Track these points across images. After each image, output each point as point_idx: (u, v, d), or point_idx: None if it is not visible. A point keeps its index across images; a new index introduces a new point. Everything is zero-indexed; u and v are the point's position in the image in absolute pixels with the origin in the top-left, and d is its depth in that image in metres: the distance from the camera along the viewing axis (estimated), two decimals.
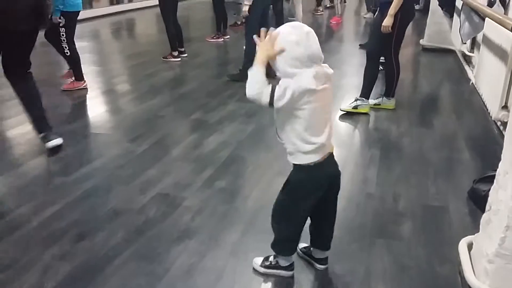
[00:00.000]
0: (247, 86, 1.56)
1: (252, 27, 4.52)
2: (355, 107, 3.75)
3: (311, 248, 1.93)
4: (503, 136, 3.15)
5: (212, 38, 6.92)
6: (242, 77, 4.59)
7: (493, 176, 1.79)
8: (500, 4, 3.65)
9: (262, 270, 1.89)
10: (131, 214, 2.32)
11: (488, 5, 3.82)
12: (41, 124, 3.02)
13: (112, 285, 1.83)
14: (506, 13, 3.63)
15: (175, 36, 5.59)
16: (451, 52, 5.99)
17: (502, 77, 2.92)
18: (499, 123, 3.31)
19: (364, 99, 3.75)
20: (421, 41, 6.40)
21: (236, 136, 3.32)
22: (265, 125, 3.53)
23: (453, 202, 2.45)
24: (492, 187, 1.77)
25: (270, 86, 1.53)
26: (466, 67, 5.09)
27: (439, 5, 5.97)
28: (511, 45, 2.81)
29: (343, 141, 3.27)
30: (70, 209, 2.38)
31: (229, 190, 2.58)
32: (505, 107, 2.95)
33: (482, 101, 3.85)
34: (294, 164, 1.68)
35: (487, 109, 3.56)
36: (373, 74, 3.75)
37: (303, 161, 1.63)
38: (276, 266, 1.86)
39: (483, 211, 1.83)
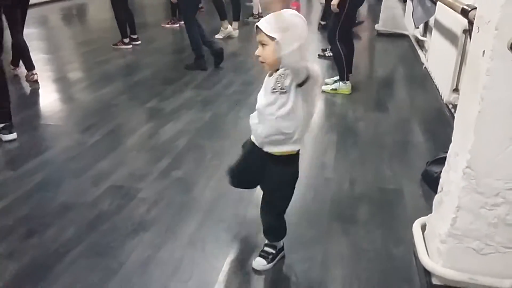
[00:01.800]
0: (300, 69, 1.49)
1: (190, 17, 4.47)
2: (334, 89, 3.89)
3: None
4: (454, 118, 3.25)
5: (168, 23, 6.76)
6: (197, 66, 4.54)
7: (445, 158, 1.82)
8: None
9: (271, 265, 1.85)
10: (83, 208, 2.23)
11: None
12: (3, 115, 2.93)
13: (64, 283, 1.75)
14: None
15: (125, 22, 5.38)
16: (405, 36, 6.10)
17: (453, 60, 2.99)
18: (450, 106, 3.40)
19: (343, 81, 3.88)
20: (376, 26, 6.49)
21: (193, 124, 3.25)
22: (222, 113, 3.48)
23: (407, 185, 2.50)
24: (444, 168, 1.80)
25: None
26: (419, 51, 5.20)
27: None
28: (461, 28, 2.88)
29: None
30: (18, 204, 2.27)
31: (186, 179, 2.53)
32: (456, 90, 3.03)
33: (435, 84, 3.94)
34: (290, 155, 1.67)
35: (439, 92, 3.65)
36: (338, 55, 3.80)
37: (297, 148, 1.67)
38: (278, 252, 1.87)
39: (436, 192, 1.87)
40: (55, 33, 6.83)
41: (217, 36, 6.01)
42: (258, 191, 2.14)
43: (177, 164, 2.68)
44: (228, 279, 1.80)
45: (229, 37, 6.13)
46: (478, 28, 1.53)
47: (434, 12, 3.94)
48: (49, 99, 3.87)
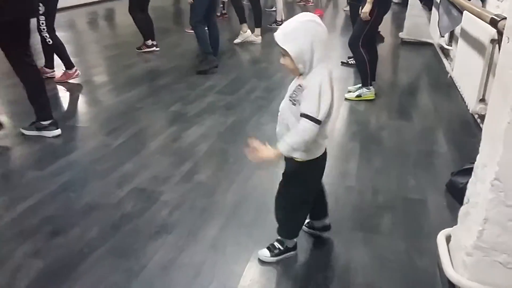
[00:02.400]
0: (304, 145, 1.61)
1: (197, 17, 4.51)
2: (359, 95, 3.88)
3: (312, 222, 2.07)
4: (480, 128, 3.19)
5: (191, 29, 6.81)
6: (208, 65, 4.58)
7: (471, 169, 1.79)
8: None
9: (274, 259, 1.91)
10: (107, 209, 2.27)
11: None
12: (45, 112, 3.08)
13: (87, 282, 1.78)
14: (483, 6, 3.66)
15: (145, 25, 5.45)
16: (430, 45, 6.03)
17: (479, 70, 2.94)
18: (476, 116, 3.35)
19: (367, 87, 3.87)
20: (400, 34, 6.43)
21: (216, 128, 3.28)
22: (245, 117, 3.49)
23: (431, 195, 2.46)
24: (470, 180, 1.77)
25: (303, 125, 1.57)
26: (444, 60, 5.13)
27: None
28: (489, 38, 2.83)
29: None
30: (43, 204, 2.32)
31: (209, 183, 2.54)
32: (482, 100, 2.98)
33: (460, 94, 3.88)
34: (306, 161, 1.71)
35: (465, 102, 3.59)
36: (362, 61, 3.80)
37: (316, 155, 1.72)
38: (285, 250, 1.92)
39: (461, 203, 1.84)
40: (81, 36, 6.96)
41: (236, 41, 6.08)
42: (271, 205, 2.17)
43: (199, 168, 2.70)
44: (249, 284, 1.80)
45: (252, 43, 6.16)
46: (508, 38, 1.51)
47: (461, 21, 3.89)
48: (75, 101, 3.96)
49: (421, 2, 6.04)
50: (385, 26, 7.67)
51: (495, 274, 1.62)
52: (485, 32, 2.89)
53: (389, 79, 4.83)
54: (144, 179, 2.56)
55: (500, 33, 1.80)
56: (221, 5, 8.16)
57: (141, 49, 5.51)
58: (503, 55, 1.58)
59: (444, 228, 1.95)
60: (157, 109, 3.71)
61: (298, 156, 1.70)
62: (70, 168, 2.69)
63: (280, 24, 6.96)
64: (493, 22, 2.19)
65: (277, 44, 1.58)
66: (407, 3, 6.42)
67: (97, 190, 2.45)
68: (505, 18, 1.71)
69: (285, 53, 1.58)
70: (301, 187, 1.80)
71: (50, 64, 4.35)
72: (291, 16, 1.64)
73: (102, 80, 4.55)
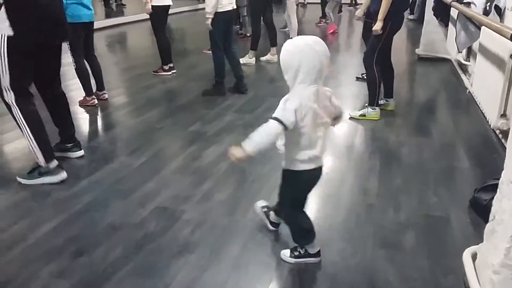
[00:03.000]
0: (268, 142, 1.75)
1: (215, 43, 4.58)
2: (363, 115, 3.84)
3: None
4: (502, 144, 3.15)
5: (208, 50, 6.91)
6: (216, 91, 4.65)
7: (495, 185, 1.77)
8: (495, 13, 3.67)
9: (293, 260, 1.99)
10: (130, 229, 2.29)
11: (483, 14, 3.84)
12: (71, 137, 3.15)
13: None
14: (501, 21, 3.65)
15: (167, 50, 5.54)
16: (447, 61, 6.02)
17: (500, 85, 2.92)
18: (498, 132, 3.31)
19: (372, 107, 3.82)
20: (416, 50, 6.43)
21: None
22: None
23: (454, 212, 2.43)
24: (496, 196, 1.75)
25: (268, 124, 1.72)
26: (463, 76, 5.11)
27: (434, 14, 6.00)
28: (508, 53, 2.82)
29: (342, 153, 3.25)
30: (67, 224, 2.35)
31: (229, 202, 2.55)
32: (503, 115, 2.95)
33: (480, 109, 3.85)
34: (290, 170, 1.87)
35: (486, 118, 3.56)
36: (373, 80, 3.78)
37: (300, 168, 1.83)
38: (306, 255, 1.99)
39: (485, 220, 1.81)
40: (101, 59, 7.11)
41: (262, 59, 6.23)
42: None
43: (219, 186, 2.72)
44: None
45: (268, 62, 6.23)
46: None
47: (478, 37, 3.89)
48: (96, 122, 4.03)
49: (437, 18, 6.04)
50: (401, 43, 7.72)
51: None
52: (505, 48, 2.88)
53: (406, 95, 4.82)
54: (166, 198, 2.59)
55: None
56: (238, 26, 8.35)
57: (158, 73, 5.58)
58: None
59: (469, 246, 1.92)
60: (176, 129, 3.76)
61: (283, 164, 1.89)
62: (93, 188, 2.73)
63: None
64: None
65: None
66: (423, 19, 6.44)
67: (119, 210, 2.48)
68: None
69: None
70: (287, 193, 1.98)
71: (98, 87, 4.50)
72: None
73: (123, 101, 4.62)
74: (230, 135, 3.54)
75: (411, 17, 10.80)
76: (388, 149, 3.31)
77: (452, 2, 4.44)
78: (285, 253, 2.02)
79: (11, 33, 2.55)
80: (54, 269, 1.99)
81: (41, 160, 2.78)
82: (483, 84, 3.49)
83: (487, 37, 3.40)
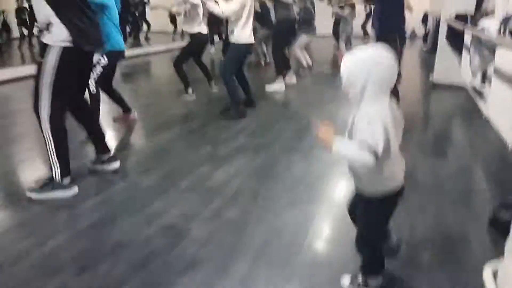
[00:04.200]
0: (352, 163, 1.62)
1: (230, 70, 4.71)
2: None
3: None
4: None
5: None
6: (230, 115, 4.71)
7: None
8: (510, 37, 3.63)
9: None
10: (136, 246, 2.23)
11: None
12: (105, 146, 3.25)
13: None
14: None
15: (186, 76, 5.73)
16: (462, 88, 5.95)
17: None
18: None
19: None
20: (431, 78, 6.40)
21: (246, 169, 3.25)
22: (275, 158, 3.46)
23: (473, 230, 2.33)
24: None
25: (360, 151, 1.50)
26: (478, 101, 5.03)
27: (447, 40, 6.00)
28: None
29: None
30: (73, 241, 2.31)
31: (238, 221, 2.48)
32: None
33: (497, 132, 3.76)
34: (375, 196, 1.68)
35: (504, 140, 3.47)
36: None
37: (388, 187, 1.67)
38: (368, 285, 1.84)
39: (505, 237, 1.72)
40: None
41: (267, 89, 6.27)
42: (309, 239, 2.12)
43: (229, 206, 2.66)
44: None
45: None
46: None
47: (492, 60, 3.84)
48: (111, 143, 4.03)
49: (451, 46, 6.03)
50: (415, 71, 7.72)
51: None
52: None
53: (422, 120, 4.76)
54: (173, 216, 2.53)
55: None
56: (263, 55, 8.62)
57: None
58: None
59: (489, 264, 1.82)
60: (188, 151, 3.74)
61: (367, 194, 1.69)
62: (100, 207, 2.69)
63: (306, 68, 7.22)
64: None
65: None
66: (436, 49, 6.45)
67: (126, 228, 2.43)
68: None
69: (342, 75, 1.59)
70: (378, 217, 1.75)
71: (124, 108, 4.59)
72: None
73: (137, 124, 4.64)
74: (242, 157, 3.50)
75: (424, 48, 10.84)
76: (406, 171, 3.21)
77: (465, 29, 4.43)
78: (346, 281, 1.87)
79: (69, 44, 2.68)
80: (58, 285, 1.94)
81: (57, 174, 2.80)
82: (500, 106, 3.42)
83: (501, 60, 3.35)
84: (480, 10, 5.40)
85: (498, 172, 3.15)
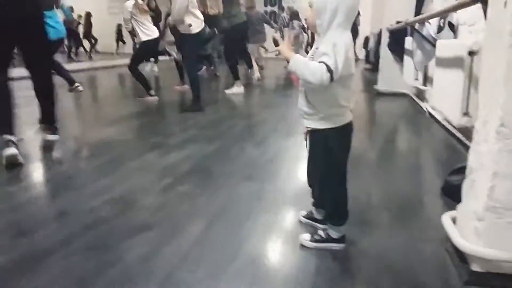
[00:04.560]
0: (307, 77, 1.49)
1: (191, 59, 4.71)
2: None
3: (313, 211, 1.96)
4: (464, 145, 3.17)
5: (178, 86, 6.96)
6: (195, 107, 4.61)
7: (464, 167, 1.72)
8: (450, 29, 3.83)
9: (313, 245, 1.77)
10: (81, 214, 2.06)
11: (437, 31, 4.00)
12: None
13: (55, 272, 1.56)
14: (455, 37, 3.80)
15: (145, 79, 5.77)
16: (405, 94, 6.19)
17: (460, 86, 2.96)
18: (460, 136, 3.34)
19: None
20: (375, 86, 6.62)
21: (199, 153, 3.14)
22: (227, 146, 3.37)
23: (427, 196, 2.35)
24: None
25: (318, 64, 1.45)
26: (421, 103, 5.24)
27: (388, 47, 6.26)
28: (466, 50, 2.89)
29: None
30: (11, 212, 2.10)
31: (191, 193, 2.37)
32: (466, 114, 2.97)
33: (441, 124, 3.92)
34: (328, 129, 1.62)
35: (449, 122, 3.59)
36: None
37: (339, 123, 1.62)
38: (327, 239, 1.77)
39: (458, 202, 1.74)
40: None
41: (227, 91, 6.32)
42: (265, 205, 2.03)
43: (181, 181, 2.54)
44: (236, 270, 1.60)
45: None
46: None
47: (434, 55, 4.01)
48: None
49: (392, 53, 6.29)
50: (361, 85, 7.97)
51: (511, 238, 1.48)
52: (462, 47, 2.96)
53: (370, 119, 4.87)
54: (121, 191, 2.37)
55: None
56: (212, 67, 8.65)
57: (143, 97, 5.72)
58: (492, 5, 1.56)
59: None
60: (137, 140, 3.59)
61: (320, 125, 1.62)
62: (42, 184, 2.50)
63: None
64: None
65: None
66: (377, 68, 6.75)
67: (69, 200, 2.25)
68: None
69: (311, 5, 1.55)
70: (335, 159, 1.67)
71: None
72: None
73: (92, 121, 4.43)
74: (194, 145, 3.38)
75: (366, 66, 11.27)
76: (357, 154, 3.24)
77: (408, 22, 4.64)
78: (305, 237, 1.79)
79: None
80: None
81: None
82: (443, 92, 3.53)
83: (443, 48, 3.51)
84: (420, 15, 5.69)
85: (443, 154, 3.24)
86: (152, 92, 5.72)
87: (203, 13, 5.03)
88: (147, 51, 5.83)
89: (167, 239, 1.81)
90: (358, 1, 1.53)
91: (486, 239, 1.50)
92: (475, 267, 1.53)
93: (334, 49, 1.45)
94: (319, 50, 1.51)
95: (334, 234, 1.76)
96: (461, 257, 1.61)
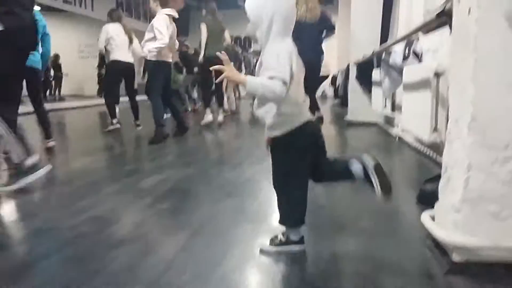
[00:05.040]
0: (266, 96, 1.52)
1: (154, 90, 4.78)
2: None
3: None
4: (435, 162, 3.29)
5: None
6: (159, 139, 4.62)
7: (438, 176, 1.81)
8: (414, 57, 4.04)
9: (274, 249, 1.76)
10: (60, 231, 2.02)
11: (403, 59, 4.21)
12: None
13: (37, 282, 1.52)
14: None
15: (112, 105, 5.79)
16: (374, 124, 6.39)
17: (428, 105, 3.11)
18: (430, 153, 3.47)
19: None
20: (345, 118, 6.82)
21: (177, 176, 3.14)
22: (204, 169, 3.39)
23: (403, 205, 2.42)
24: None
25: (271, 81, 1.49)
26: (390, 129, 5.42)
27: (356, 79, 6.51)
28: (432, 72, 3.05)
29: None
30: None
31: (172, 210, 2.36)
32: (435, 130, 3.10)
33: (413, 141, 4.06)
34: (288, 131, 1.63)
35: (420, 140, 3.73)
36: None
37: (292, 126, 1.62)
38: (287, 242, 1.76)
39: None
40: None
41: (202, 122, 6.34)
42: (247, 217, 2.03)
43: (161, 200, 2.52)
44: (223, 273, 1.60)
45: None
46: (459, 0, 1.64)
47: (401, 82, 4.20)
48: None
49: (360, 85, 6.53)
50: (330, 117, 8.18)
51: (488, 227, 1.54)
52: (429, 69, 3.13)
53: (341, 145, 4.99)
54: (101, 211, 2.33)
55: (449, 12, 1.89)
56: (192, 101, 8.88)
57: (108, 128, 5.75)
58: (457, 14, 1.70)
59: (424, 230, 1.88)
60: (112, 168, 3.56)
61: (276, 133, 1.65)
62: (20, 206, 2.43)
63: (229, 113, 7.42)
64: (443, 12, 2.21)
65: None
66: (347, 102, 7.02)
67: (47, 219, 2.20)
68: None
69: (249, 20, 1.62)
70: (284, 160, 1.68)
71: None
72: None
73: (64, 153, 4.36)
74: (171, 169, 3.38)
75: (335, 102, 11.61)
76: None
77: (375, 51, 4.86)
78: (264, 244, 1.79)
79: None
80: None
81: None
82: (413, 113, 3.68)
83: (410, 73, 3.69)
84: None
85: (415, 171, 3.35)
86: (115, 120, 5.79)
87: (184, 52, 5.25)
88: (115, 74, 5.85)
89: (152, 249, 1.79)
90: (293, 7, 1.61)
91: (465, 229, 1.56)
92: (455, 257, 1.59)
93: (279, 60, 1.51)
94: (266, 63, 1.56)
95: (293, 236, 1.76)
96: (442, 250, 1.67)
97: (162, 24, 4.67)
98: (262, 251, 1.77)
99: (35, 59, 4.02)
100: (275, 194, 1.75)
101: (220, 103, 6.71)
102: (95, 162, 3.79)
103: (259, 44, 1.64)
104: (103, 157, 4.09)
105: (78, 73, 17.06)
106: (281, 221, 1.75)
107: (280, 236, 1.78)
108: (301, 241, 1.77)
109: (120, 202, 2.52)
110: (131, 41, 5.72)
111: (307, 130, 1.66)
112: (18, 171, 2.70)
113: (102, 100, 6.03)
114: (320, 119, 4.48)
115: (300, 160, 1.67)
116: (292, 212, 1.72)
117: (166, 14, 4.82)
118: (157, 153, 4.14)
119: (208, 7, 6.29)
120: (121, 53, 5.60)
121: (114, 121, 5.81)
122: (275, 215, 2.15)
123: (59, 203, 2.51)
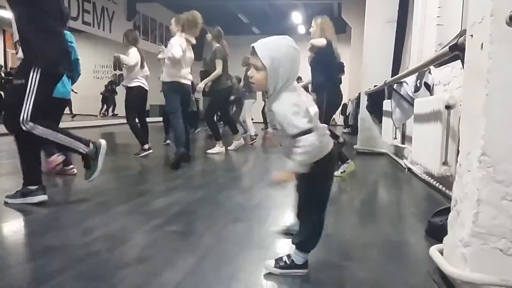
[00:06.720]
0: (312, 157, 1.61)
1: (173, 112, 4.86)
2: (343, 171, 4.37)
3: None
4: (444, 195, 3.28)
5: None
6: (179, 161, 4.61)
7: (447, 208, 1.82)
8: (425, 89, 4.07)
9: (278, 271, 1.79)
10: (71, 249, 2.05)
11: (414, 91, 4.25)
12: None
13: None
14: (431, 95, 4.04)
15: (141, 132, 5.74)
16: (383, 154, 6.41)
17: (438, 138, 3.12)
18: (440, 186, 3.46)
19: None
20: (354, 146, 6.84)
21: (187, 199, 3.17)
22: (214, 193, 3.41)
23: (412, 238, 2.42)
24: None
25: (299, 140, 1.57)
26: (400, 160, 5.42)
27: (367, 110, 6.54)
28: (443, 104, 3.08)
29: None
30: None
31: (181, 233, 2.38)
32: (445, 163, 3.11)
33: (422, 173, 4.06)
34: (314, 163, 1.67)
35: (429, 173, 3.73)
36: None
37: (325, 153, 1.71)
38: (292, 266, 1.79)
39: (442, 241, 1.83)
40: None
41: (209, 151, 6.22)
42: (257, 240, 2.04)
43: (170, 222, 2.54)
44: None
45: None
46: (472, 35, 1.69)
47: (413, 113, 4.23)
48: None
49: (371, 115, 6.56)
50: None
51: (497, 263, 1.54)
52: (440, 102, 3.15)
53: (350, 178, 4.99)
54: (112, 230, 2.36)
55: (462, 46, 1.94)
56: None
57: (139, 154, 5.57)
58: (470, 48, 1.74)
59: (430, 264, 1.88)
60: (123, 187, 3.60)
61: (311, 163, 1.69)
62: (29, 223, 2.47)
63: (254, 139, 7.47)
64: (456, 46, 2.24)
65: (252, 58, 1.65)
66: (356, 131, 7.05)
67: (59, 237, 2.23)
68: (465, 32, 1.90)
69: (258, 68, 1.62)
70: (319, 187, 1.76)
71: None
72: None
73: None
74: (181, 192, 3.41)
75: (345, 130, 11.65)
76: (340, 203, 3.32)
77: (387, 81, 4.91)
78: (270, 263, 1.81)
79: None
80: None
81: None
82: (423, 145, 3.69)
83: (421, 105, 3.72)
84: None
85: (424, 203, 3.35)
86: (146, 146, 5.69)
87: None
88: (137, 100, 5.80)
89: (160, 270, 1.81)
90: (298, 55, 1.66)
91: (473, 264, 1.56)
92: None
93: (296, 108, 1.59)
94: (285, 118, 1.60)
95: (298, 260, 1.79)
96: (450, 285, 1.66)
97: (177, 43, 4.81)
98: (266, 269, 1.81)
99: (65, 90, 3.94)
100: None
101: (235, 131, 6.84)
102: (102, 183, 3.81)
103: (267, 90, 1.66)
104: (115, 177, 4.13)
105: (93, 94, 17.33)
106: (302, 247, 1.79)
107: (285, 258, 1.81)
108: (305, 265, 1.81)
109: (129, 222, 2.56)
110: (142, 66, 5.70)
111: (334, 156, 1.78)
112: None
113: (113, 120, 6.09)
114: (342, 144, 4.63)
115: (330, 185, 1.79)
116: (316, 237, 1.80)
117: (184, 38, 4.95)
118: (167, 175, 4.18)
119: (214, 31, 6.22)
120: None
121: (146, 146, 5.65)
122: (283, 241, 2.18)
123: (69, 221, 2.54)
